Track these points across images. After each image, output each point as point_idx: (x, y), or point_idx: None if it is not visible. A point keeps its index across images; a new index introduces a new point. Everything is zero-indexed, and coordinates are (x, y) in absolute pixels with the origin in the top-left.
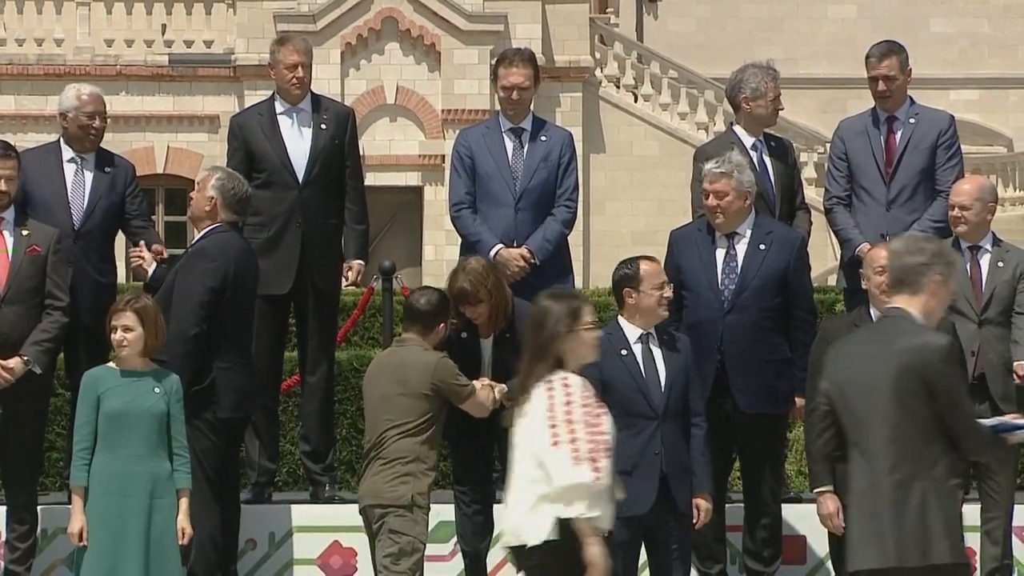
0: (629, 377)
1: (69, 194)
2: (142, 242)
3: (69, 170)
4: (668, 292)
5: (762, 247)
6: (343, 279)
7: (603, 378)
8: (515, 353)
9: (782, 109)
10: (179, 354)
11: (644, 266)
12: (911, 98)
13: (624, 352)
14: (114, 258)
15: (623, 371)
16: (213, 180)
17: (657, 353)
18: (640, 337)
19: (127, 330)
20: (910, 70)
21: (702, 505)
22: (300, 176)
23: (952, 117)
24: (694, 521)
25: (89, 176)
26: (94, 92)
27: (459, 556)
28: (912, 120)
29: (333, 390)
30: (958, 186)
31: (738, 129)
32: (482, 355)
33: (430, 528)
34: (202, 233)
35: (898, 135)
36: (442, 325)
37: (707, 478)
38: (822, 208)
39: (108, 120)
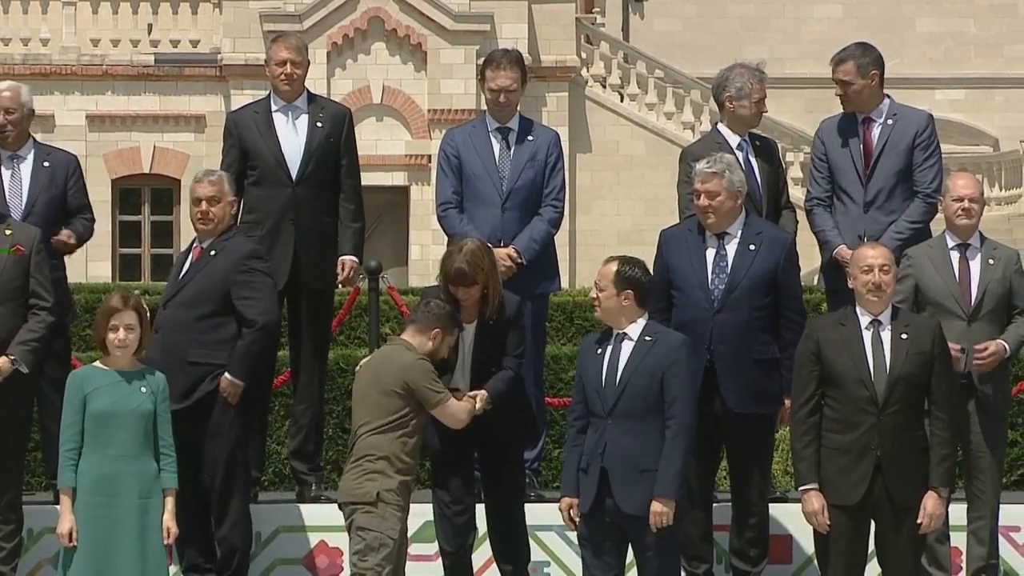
0: (592, 375)
1: (7, 190)
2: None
3: (6, 169)
4: (593, 293)
5: (752, 247)
6: (335, 276)
7: (581, 375)
8: (497, 341)
9: (766, 111)
10: (268, 344)
11: (600, 268)
12: (890, 98)
13: (599, 351)
14: (60, 254)
15: (590, 369)
16: (225, 186)
17: (624, 352)
18: (616, 336)
19: (130, 329)
20: (875, 73)
21: (655, 507)
22: (294, 173)
23: (930, 116)
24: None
25: (27, 171)
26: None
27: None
28: (890, 121)
29: (324, 390)
30: (963, 180)
31: (723, 128)
32: (463, 340)
33: (416, 528)
34: (222, 234)
35: (875, 136)
36: (436, 331)
37: (667, 480)
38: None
39: (33, 114)
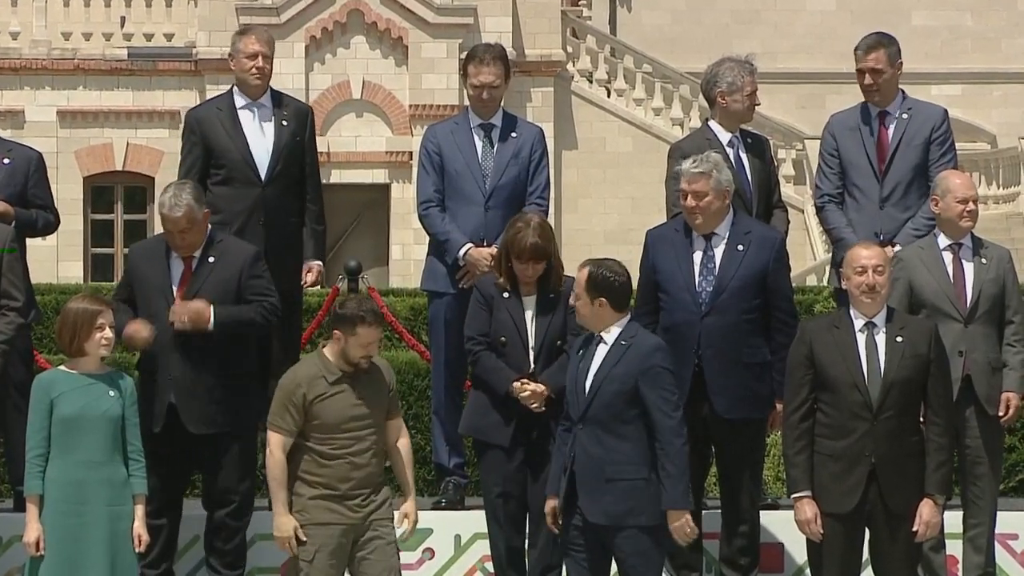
0: (571, 379)
1: None
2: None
3: None
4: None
5: (740, 248)
6: (303, 280)
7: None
8: (556, 317)
9: (759, 104)
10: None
11: (576, 274)
12: (903, 92)
13: (580, 353)
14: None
15: (571, 372)
16: (193, 202)
17: (597, 356)
18: (594, 339)
19: (113, 327)
20: (900, 63)
21: (675, 524)
22: (263, 173)
23: (945, 111)
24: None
25: None
26: None
27: (427, 564)
28: (905, 115)
29: None
30: (961, 179)
31: (714, 125)
32: (525, 314)
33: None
34: (210, 238)
35: (890, 131)
36: (337, 335)
37: (677, 491)
38: (804, 206)
39: None
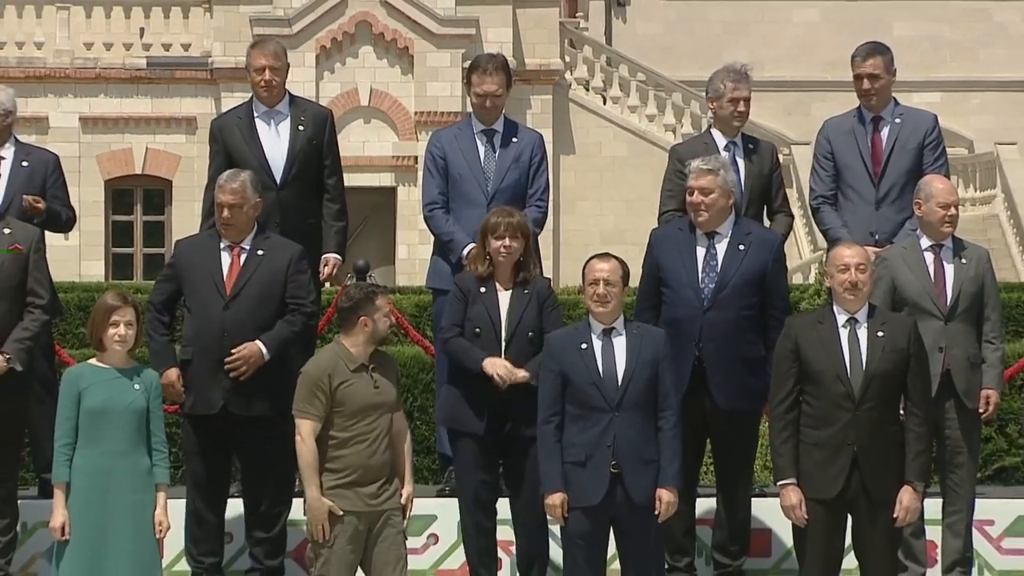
0: (585, 370)
1: None
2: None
3: None
4: (600, 289)
5: (741, 247)
6: (319, 274)
7: (562, 371)
8: (529, 310)
9: (743, 111)
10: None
11: (598, 264)
12: (895, 99)
13: (584, 346)
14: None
15: (580, 364)
16: (248, 191)
17: (619, 346)
18: (602, 331)
19: (129, 326)
20: (895, 70)
21: (663, 496)
22: (278, 177)
23: (936, 117)
24: (656, 512)
25: (6, 170)
26: None
27: (432, 549)
28: (898, 120)
29: None
30: (943, 184)
31: (714, 130)
32: (500, 306)
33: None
34: (258, 234)
35: (884, 135)
36: (363, 319)
37: (672, 470)
38: (797, 207)
39: (11, 115)
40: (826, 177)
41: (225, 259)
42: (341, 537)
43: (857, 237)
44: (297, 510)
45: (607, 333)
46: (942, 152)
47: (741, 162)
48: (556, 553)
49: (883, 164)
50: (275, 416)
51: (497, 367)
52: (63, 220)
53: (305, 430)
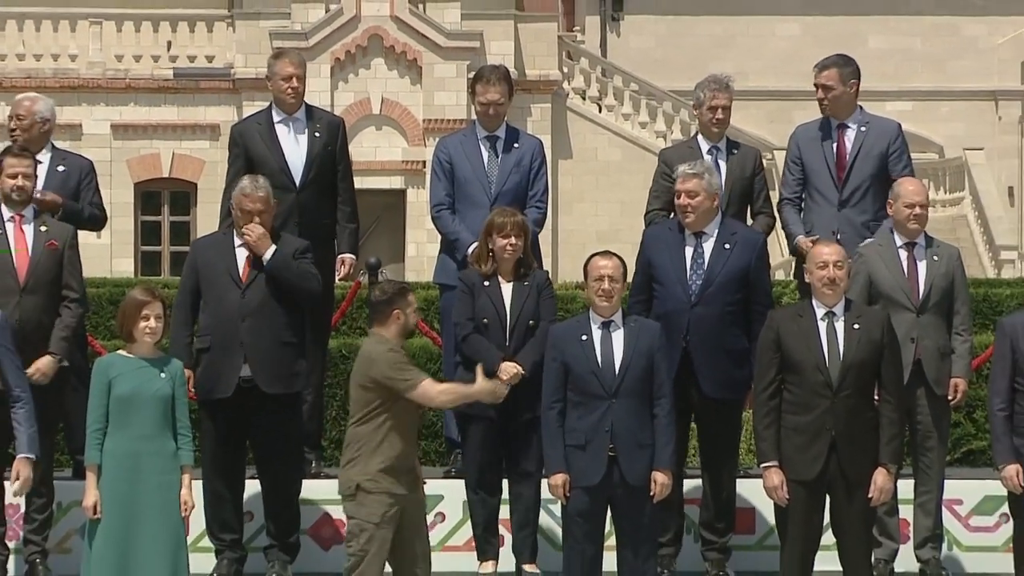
0: (584, 360)
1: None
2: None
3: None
4: (605, 285)
5: (727, 246)
6: (336, 273)
7: (564, 360)
8: (530, 301)
9: (721, 118)
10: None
11: (599, 262)
12: (860, 107)
13: (584, 337)
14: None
15: (580, 355)
16: (271, 197)
17: (617, 338)
18: (602, 324)
19: (159, 319)
20: (854, 83)
21: (658, 478)
22: (297, 180)
23: (900, 125)
24: (652, 494)
25: (42, 174)
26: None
27: (439, 526)
28: (863, 128)
29: (325, 376)
30: (912, 186)
31: (699, 137)
32: (504, 298)
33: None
34: (273, 233)
35: (848, 142)
36: (396, 312)
37: (666, 454)
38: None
39: (48, 123)
40: (792, 180)
41: (241, 256)
42: (387, 518)
43: (822, 235)
44: (310, 490)
45: (606, 325)
46: (907, 159)
47: (723, 164)
48: (556, 531)
49: (847, 169)
50: (289, 396)
51: (511, 376)
52: (85, 216)
53: (430, 388)
